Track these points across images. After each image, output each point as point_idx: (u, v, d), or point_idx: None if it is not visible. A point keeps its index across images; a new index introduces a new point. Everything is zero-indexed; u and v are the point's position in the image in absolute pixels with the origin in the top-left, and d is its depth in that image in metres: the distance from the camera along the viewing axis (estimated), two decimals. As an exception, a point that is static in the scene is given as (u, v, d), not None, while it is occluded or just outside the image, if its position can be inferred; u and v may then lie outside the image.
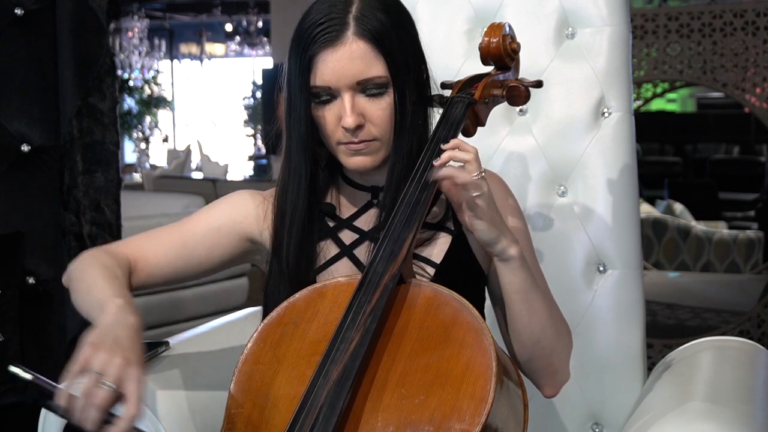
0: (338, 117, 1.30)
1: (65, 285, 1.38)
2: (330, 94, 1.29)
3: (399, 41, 1.29)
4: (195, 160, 12.59)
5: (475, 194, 1.20)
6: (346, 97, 1.28)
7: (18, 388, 2.17)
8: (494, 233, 1.24)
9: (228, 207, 1.44)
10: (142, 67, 13.07)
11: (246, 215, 1.42)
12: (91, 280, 1.30)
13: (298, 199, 1.35)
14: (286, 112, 1.34)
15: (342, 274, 1.33)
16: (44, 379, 1.14)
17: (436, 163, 1.24)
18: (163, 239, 1.41)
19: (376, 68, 1.28)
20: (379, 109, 1.29)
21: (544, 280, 1.41)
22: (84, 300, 1.30)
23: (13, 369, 1.14)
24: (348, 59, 1.27)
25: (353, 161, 1.32)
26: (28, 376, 1.13)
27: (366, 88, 1.29)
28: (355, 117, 1.28)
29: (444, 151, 1.24)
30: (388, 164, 1.33)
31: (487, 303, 1.42)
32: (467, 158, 1.22)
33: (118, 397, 1.11)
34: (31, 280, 2.18)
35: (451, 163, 1.23)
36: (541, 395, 1.39)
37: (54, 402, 1.11)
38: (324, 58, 1.27)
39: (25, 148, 2.17)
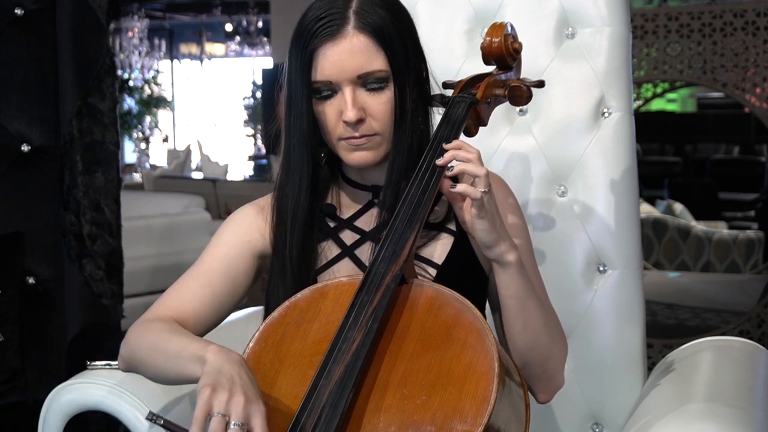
0: (339, 112, 1.30)
1: (125, 366, 1.35)
2: (331, 89, 1.30)
3: (399, 36, 1.30)
4: (195, 160, 12.58)
5: (482, 190, 1.21)
6: (347, 91, 1.28)
7: (18, 388, 2.17)
8: (493, 236, 1.24)
9: (233, 233, 1.42)
10: (142, 67, 13.07)
11: (250, 233, 1.41)
12: (167, 344, 1.26)
13: (300, 196, 1.34)
14: (287, 109, 1.34)
15: (343, 275, 1.33)
16: (176, 425, 1.14)
17: (438, 162, 1.24)
18: (192, 290, 1.38)
19: (377, 62, 1.28)
20: (380, 104, 1.30)
21: (543, 286, 1.41)
22: (166, 365, 1.26)
23: (151, 416, 1.14)
24: (349, 53, 1.27)
25: (354, 157, 1.32)
26: (159, 421, 1.13)
27: (367, 82, 1.29)
28: (356, 111, 1.28)
29: (446, 150, 1.24)
30: (388, 160, 1.33)
31: (487, 304, 1.42)
32: (470, 158, 1.22)
33: None
34: (31, 280, 2.18)
35: (454, 162, 1.23)
36: (537, 398, 1.39)
37: None
38: (325, 53, 1.28)
39: (25, 148, 2.17)
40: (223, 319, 1.42)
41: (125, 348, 1.34)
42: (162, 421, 1.13)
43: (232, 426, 1.09)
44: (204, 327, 1.38)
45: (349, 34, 1.27)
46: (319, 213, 1.38)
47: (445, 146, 1.24)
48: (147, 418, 1.15)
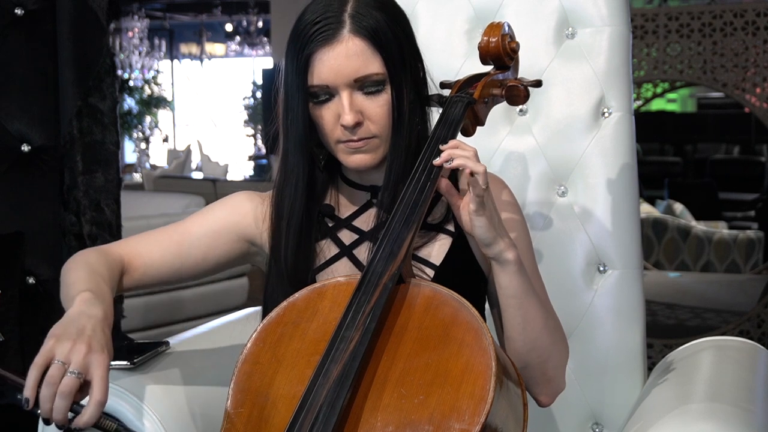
0: (337, 116, 1.30)
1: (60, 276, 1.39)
2: (328, 93, 1.30)
3: (395, 38, 1.30)
4: (195, 160, 12.59)
5: (475, 189, 1.21)
6: (344, 95, 1.28)
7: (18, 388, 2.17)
8: (491, 233, 1.24)
9: (226, 208, 1.43)
10: (142, 67, 13.07)
11: (244, 216, 1.42)
12: (72, 277, 1.30)
13: (296, 200, 1.34)
14: (283, 112, 1.34)
15: (341, 274, 1.33)
16: (9, 374, 1.14)
17: (435, 162, 1.24)
18: (160, 239, 1.41)
19: (373, 65, 1.28)
20: (377, 107, 1.30)
21: (543, 287, 1.40)
22: (63, 296, 1.31)
23: None
24: (345, 57, 1.27)
25: (353, 160, 1.32)
26: None
27: (364, 85, 1.29)
28: (354, 115, 1.28)
29: (443, 151, 1.24)
30: (387, 162, 1.33)
31: (487, 305, 1.42)
32: (467, 156, 1.22)
33: (84, 384, 1.12)
34: (31, 280, 2.18)
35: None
36: (539, 397, 1.39)
37: (21, 395, 1.12)
38: (321, 57, 1.27)
39: (25, 148, 2.17)
40: (182, 281, 1.45)
41: (64, 266, 1.37)
42: None
43: (68, 374, 1.11)
44: (153, 278, 1.40)
45: (344, 38, 1.27)
46: (318, 213, 1.38)
47: (442, 147, 1.24)
48: None
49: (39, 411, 1.12)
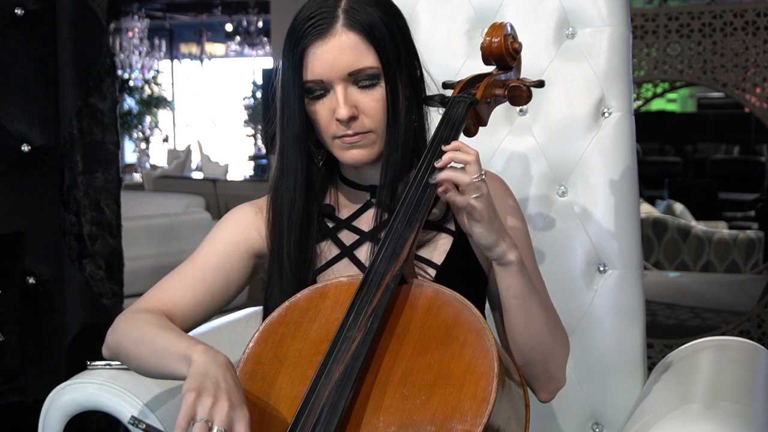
0: (332, 111, 1.30)
1: (110, 354, 1.36)
2: (323, 88, 1.30)
3: (390, 33, 1.30)
4: (195, 160, 12.58)
5: (473, 196, 1.20)
6: (339, 89, 1.29)
7: (18, 388, 2.17)
8: (492, 237, 1.24)
9: (229, 230, 1.42)
10: (142, 67, 13.07)
11: (247, 231, 1.41)
12: (154, 338, 1.27)
13: (295, 195, 1.34)
14: (280, 109, 1.34)
15: (343, 275, 1.33)
16: (158, 429, 1.14)
17: (437, 164, 1.23)
18: (184, 283, 1.39)
19: (367, 59, 1.28)
20: (372, 101, 1.30)
21: (543, 285, 1.41)
22: (151, 360, 1.27)
23: (133, 420, 1.15)
24: (338, 51, 1.27)
25: (349, 155, 1.32)
26: (141, 426, 1.14)
27: (358, 79, 1.29)
28: (348, 108, 1.28)
29: (445, 152, 1.24)
30: (382, 158, 1.33)
31: (487, 305, 1.42)
32: (468, 160, 1.22)
33: None
34: (31, 280, 2.18)
35: (452, 164, 1.23)
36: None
37: None
38: (314, 51, 1.28)
39: (25, 148, 2.17)
40: (213, 316, 1.43)
41: (112, 336, 1.35)
42: (144, 426, 1.13)
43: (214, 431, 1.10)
44: (193, 322, 1.39)
45: (338, 32, 1.28)
46: (318, 214, 1.38)
47: (444, 148, 1.24)
48: (129, 422, 1.15)
49: None
